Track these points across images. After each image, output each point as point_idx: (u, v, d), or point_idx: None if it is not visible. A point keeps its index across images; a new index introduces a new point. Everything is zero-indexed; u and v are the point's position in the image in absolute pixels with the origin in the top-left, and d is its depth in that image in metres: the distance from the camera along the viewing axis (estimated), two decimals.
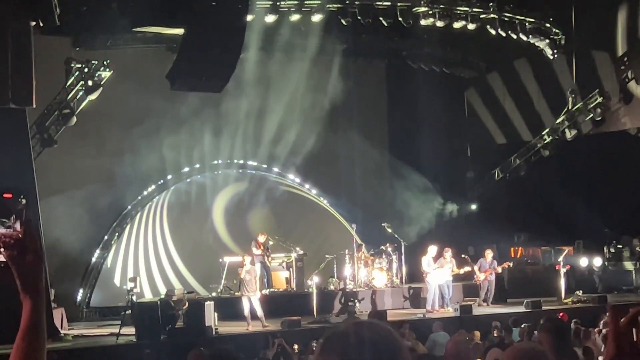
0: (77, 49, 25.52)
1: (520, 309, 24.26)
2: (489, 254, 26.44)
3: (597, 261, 29.48)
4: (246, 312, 21.80)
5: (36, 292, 2.96)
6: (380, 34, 28.96)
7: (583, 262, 29.23)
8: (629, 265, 29.85)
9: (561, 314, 19.66)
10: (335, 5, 26.21)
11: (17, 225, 2.91)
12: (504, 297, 27.31)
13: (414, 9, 26.97)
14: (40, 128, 24.80)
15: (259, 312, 21.83)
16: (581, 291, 26.73)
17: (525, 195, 31.13)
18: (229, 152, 29.32)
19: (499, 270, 26.40)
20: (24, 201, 2.95)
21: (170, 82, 21.59)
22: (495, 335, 18.73)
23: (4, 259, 2.92)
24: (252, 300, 21.85)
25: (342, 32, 27.57)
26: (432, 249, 25.34)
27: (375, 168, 31.14)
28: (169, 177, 28.50)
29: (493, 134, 33.95)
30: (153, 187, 28.27)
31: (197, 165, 29.07)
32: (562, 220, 29.93)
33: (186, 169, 28.84)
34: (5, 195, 2.94)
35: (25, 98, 19.39)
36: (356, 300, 25.10)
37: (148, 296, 26.11)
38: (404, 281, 27.48)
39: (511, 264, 27.34)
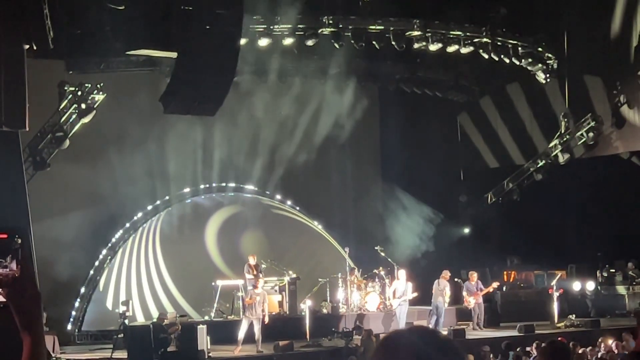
0: (71, 72, 25.51)
1: (514, 332, 24.24)
2: (474, 275, 26.53)
3: (590, 285, 29.46)
4: (241, 334, 21.75)
5: (35, 328, 3.02)
6: (374, 57, 29.03)
7: (576, 286, 29.20)
8: (621, 289, 29.82)
9: (560, 339, 19.63)
10: (328, 30, 26.26)
11: (14, 265, 2.95)
12: (496, 320, 27.32)
13: (407, 33, 27.05)
14: (33, 151, 24.79)
15: (258, 335, 21.79)
16: (574, 315, 26.75)
17: (518, 219, 31.10)
18: (221, 175, 29.33)
19: (490, 290, 26.46)
20: (19, 241, 3.00)
21: (163, 105, 21.59)
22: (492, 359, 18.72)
23: (3, 299, 2.98)
24: (255, 324, 21.78)
25: (335, 56, 27.62)
26: (402, 274, 25.48)
27: (368, 191, 31.15)
28: (162, 200, 28.47)
29: (486, 158, 33.98)
30: (146, 210, 28.24)
31: (190, 189, 29.07)
32: (555, 244, 29.94)
33: (179, 192, 28.83)
34: (1, 235, 2.99)
35: (18, 121, 19.35)
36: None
37: (140, 320, 26.02)
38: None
39: (499, 284, 27.34)
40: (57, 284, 25.03)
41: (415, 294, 25.37)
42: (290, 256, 28.37)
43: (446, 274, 25.96)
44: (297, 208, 31.10)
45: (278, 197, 30.87)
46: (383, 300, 26.99)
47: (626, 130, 30.02)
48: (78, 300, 26.73)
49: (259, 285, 22.29)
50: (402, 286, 25.20)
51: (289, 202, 30.98)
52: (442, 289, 25.63)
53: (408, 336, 2.81)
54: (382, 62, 30.18)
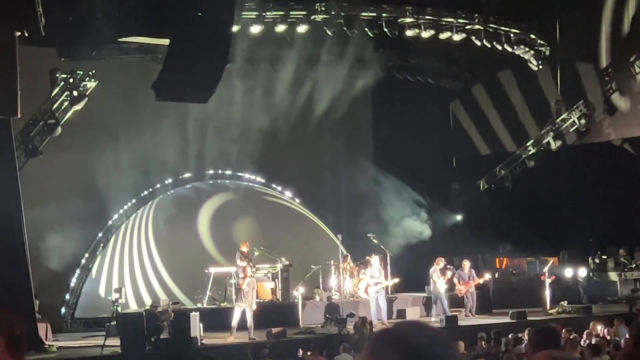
0: (63, 59, 25.44)
1: (506, 319, 24.29)
2: (467, 264, 26.52)
3: (582, 272, 29.52)
4: (234, 322, 21.73)
5: None
6: (366, 45, 28.97)
7: (568, 272, 29.27)
8: (613, 275, 29.93)
9: (556, 326, 19.65)
10: (320, 16, 26.23)
11: None
12: (489, 307, 27.37)
13: (399, 20, 27.04)
14: (25, 138, 24.73)
15: (250, 322, 21.76)
16: (566, 302, 26.79)
17: (510, 206, 31.17)
18: (214, 163, 29.29)
19: (480, 282, 26.46)
20: None
21: (155, 92, 21.51)
22: (482, 345, 18.74)
23: None
24: (247, 311, 21.77)
25: (328, 43, 27.58)
26: (375, 260, 25.38)
27: (360, 178, 31.14)
28: (155, 187, 28.43)
29: (478, 145, 34.01)
30: (138, 197, 28.20)
31: (183, 176, 29.03)
32: (547, 230, 30.01)
33: (172, 179, 28.78)
34: None
35: (10, 108, 19.30)
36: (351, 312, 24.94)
37: (133, 307, 26.01)
38: (389, 292, 27.43)
39: (489, 277, 27.33)
40: (49, 271, 25.02)
41: (396, 280, 25.45)
42: (283, 243, 28.37)
43: (438, 260, 25.97)
44: (290, 195, 31.11)
45: (271, 184, 30.85)
46: None
47: (618, 117, 30.10)
48: (70, 287, 26.73)
49: (248, 272, 22.22)
50: (376, 273, 25.09)
51: (280, 189, 30.98)
52: (431, 275, 25.68)
53: (399, 330, 2.80)
54: (375, 49, 30.13)
